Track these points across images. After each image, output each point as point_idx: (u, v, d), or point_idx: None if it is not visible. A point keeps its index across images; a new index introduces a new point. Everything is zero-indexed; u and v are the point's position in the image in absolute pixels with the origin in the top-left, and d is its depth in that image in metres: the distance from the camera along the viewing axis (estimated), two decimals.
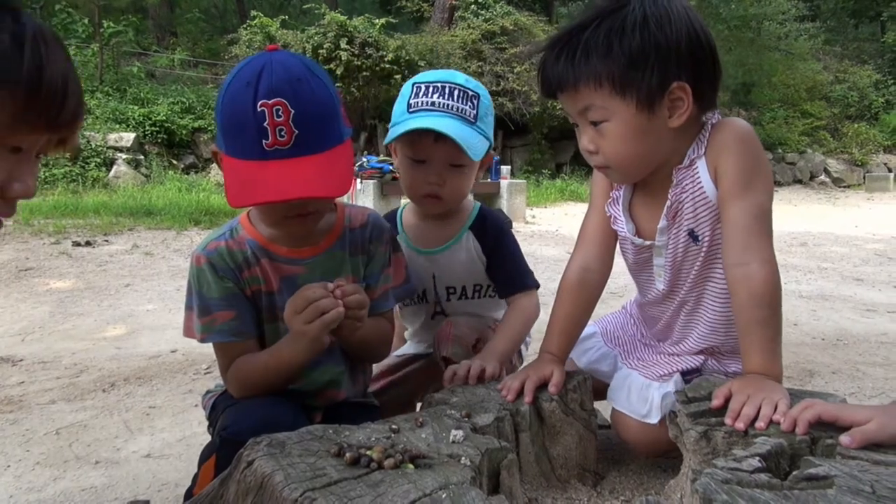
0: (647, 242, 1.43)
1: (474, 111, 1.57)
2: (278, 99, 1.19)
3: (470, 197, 1.79)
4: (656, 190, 1.39)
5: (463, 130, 1.52)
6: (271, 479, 0.93)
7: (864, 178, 16.99)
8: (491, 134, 1.64)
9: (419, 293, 1.73)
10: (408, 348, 1.87)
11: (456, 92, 1.55)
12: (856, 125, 18.60)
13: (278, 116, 1.19)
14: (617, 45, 1.24)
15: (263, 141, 1.20)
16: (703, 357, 1.46)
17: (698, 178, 1.32)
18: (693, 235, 1.36)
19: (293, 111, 1.19)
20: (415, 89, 1.58)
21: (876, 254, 6.98)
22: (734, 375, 1.43)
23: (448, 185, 1.58)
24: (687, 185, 1.34)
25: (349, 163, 1.31)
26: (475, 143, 1.54)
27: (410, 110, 1.56)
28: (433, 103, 1.54)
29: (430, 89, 1.56)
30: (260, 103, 1.19)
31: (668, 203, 1.36)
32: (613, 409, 1.45)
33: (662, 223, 1.38)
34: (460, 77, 1.60)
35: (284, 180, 1.20)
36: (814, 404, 1.04)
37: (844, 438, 0.97)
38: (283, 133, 1.20)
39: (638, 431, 1.37)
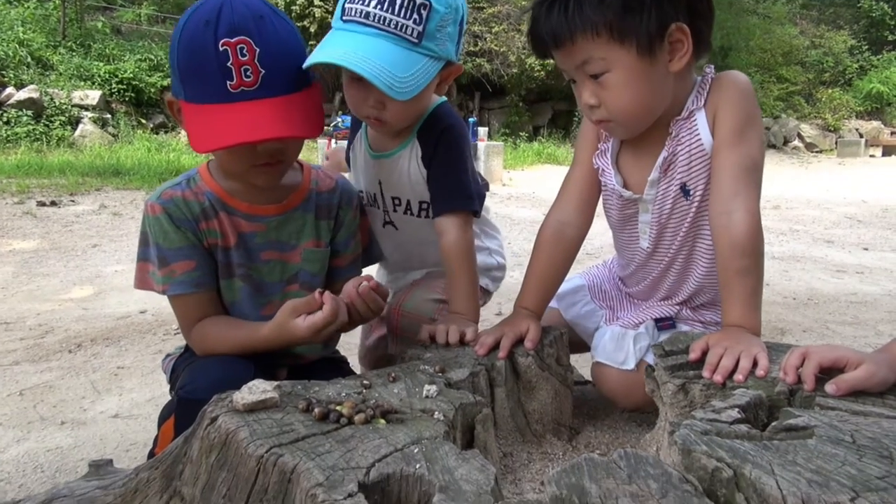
0: (635, 196, 1.39)
1: (419, 27, 1.28)
2: (241, 37, 1.11)
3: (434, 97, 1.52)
4: (648, 143, 1.36)
5: (396, 58, 1.27)
6: (235, 436, 0.89)
7: (836, 143, 17.17)
8: (451, 48, 1.37)
9: (371, 196, 1.63)
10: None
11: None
12: (830, 90, 18.73)
13: (243, 55, 1.12)
14: None
15: (228, 82, 1.13)
16: (678, 307, 1.45)
17: (696, 129, 1.30)
18: (685, 190, 1.33)
19: (258, 50, 1.12)
20: None
21: (846, 217, 7.08)
22: (709, 324, 1.42)
23: (389, 109, 1.37)
24: (684, 137, 1.31)
25: (319, 105, 1.24)
26: (411, 73, 1.28)
27: (344, 17, 1.32)
28: (367, 14, 1.28)
29: None
30: (222, 42, 1.11)
31: (664, 155, 1.33)
32: (593, 363, 1.44)
33: (654, 175, 1.35)
34: None
35: (254, 122, 1.13)
36: (808, 353, 1.01)
37: (829, 387, 0.96)
38: (248, 73, 1.13)
39: (616, 380, 1.37)
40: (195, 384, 1.21)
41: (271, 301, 1.39)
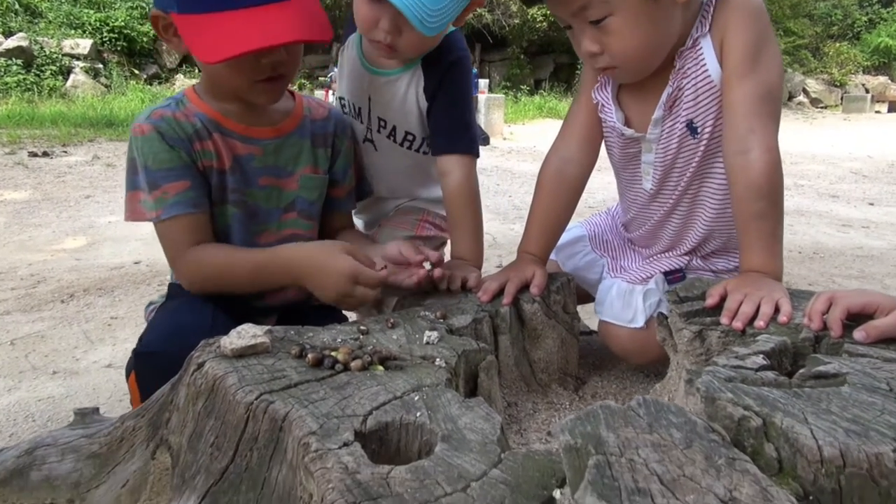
0: (637, 135, 1.30)
1: None
2: None
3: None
4: (651, 78, 1.25)
5: None
6: (223, 382, 0.83)
7: (841, 99, 16.89)
8: None
9: (356, 108, 1.54)
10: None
11: None
12: (837, 44, 18.34)
13: None
14: None
15: None
16: (687, 257, 1.37)
17: (702, 59, 1.18)
18: (691, 127, 1.23)
19: None
20: None
21: (851, 172, 6.99)
22: (721, 272, 1.35)
23: (405, 37, 1.29)
24: (689, 69, 1.20)
25: (322, 9, 1.16)
26: (443, 5, 1.19)
27: None
28: None
29: None
30: None
31: (668, 91, 1.22)
32: (600, 321, 1.36)
33: (658, 114, 1.24)
34: None
35: (268, 26, 1.05)
36: (835, 298, 0.95)
37: (858, 334, 0.89)
38: None
39: (627, 339, 1.30)
40: (150, 336, 1.15)
41: (267, 229, 1.33)
